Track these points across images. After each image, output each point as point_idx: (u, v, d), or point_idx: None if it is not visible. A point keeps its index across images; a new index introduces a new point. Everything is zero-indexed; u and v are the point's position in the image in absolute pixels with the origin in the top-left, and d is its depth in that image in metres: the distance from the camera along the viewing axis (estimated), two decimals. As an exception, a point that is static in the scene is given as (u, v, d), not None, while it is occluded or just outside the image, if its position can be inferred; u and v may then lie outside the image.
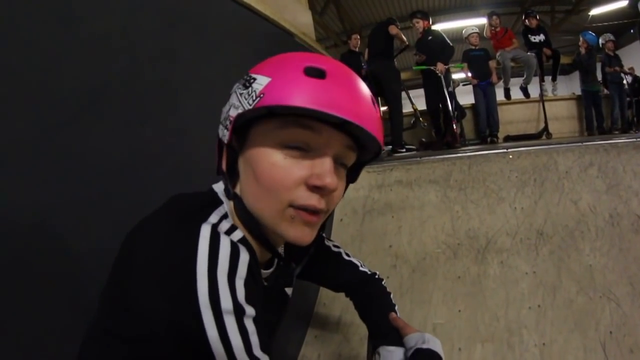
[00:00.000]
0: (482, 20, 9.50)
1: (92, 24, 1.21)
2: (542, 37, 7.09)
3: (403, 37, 6.09)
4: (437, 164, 3.09)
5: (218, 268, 0.71)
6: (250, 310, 0.74)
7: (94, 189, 1.14)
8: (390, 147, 5.63)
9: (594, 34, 7.68)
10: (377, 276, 1.43)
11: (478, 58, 6.93)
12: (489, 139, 6.75)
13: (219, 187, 0.93)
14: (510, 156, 3.04)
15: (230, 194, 0.88)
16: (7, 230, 0.92)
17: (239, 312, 0.72)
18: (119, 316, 0.75)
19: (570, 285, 2.26)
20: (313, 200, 0.81)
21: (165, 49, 1.45)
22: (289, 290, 1.17)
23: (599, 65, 7.83)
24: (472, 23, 8.90)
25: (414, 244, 2.62)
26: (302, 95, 0.75)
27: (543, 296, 2.22)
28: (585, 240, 2.49)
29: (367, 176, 3.10)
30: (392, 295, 1.38)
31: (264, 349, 0.76)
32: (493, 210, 2.73)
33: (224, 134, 0.85)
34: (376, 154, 0.94)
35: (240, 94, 0.82)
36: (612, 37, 7.96)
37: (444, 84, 6.08)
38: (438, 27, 10.25)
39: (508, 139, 7.19)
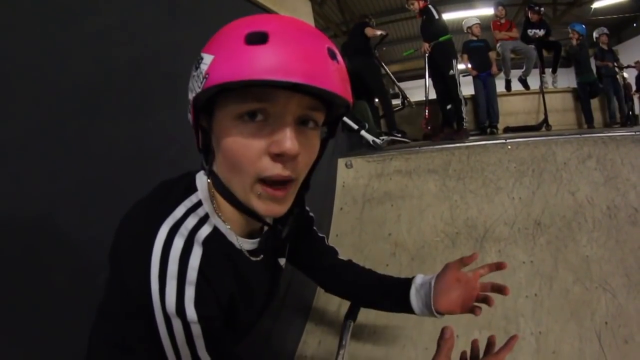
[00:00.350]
0: (483, 12, 9.49)
1: (93, 19, 1.23)
2: (542, 32, 7.05)
3: (377, 33, 6.07)
4: (436, 154, 3.09)
5: (167, 273, 0.75)
6: (195, 315, 0.76)
7: (97, 182, 1.17)
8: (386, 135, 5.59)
9: (582, 25, 7.64)
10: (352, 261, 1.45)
11: (478, 49, 6.91)
12: (488, 130, 6.74)
13: (201, 174, 0.93)
14: (509, 147, 3.04)
15: (207, 171, 0.88)
16: (12, 222, 0.95)
17: (183, 316, 0.76)
18: (106, 296, 0.87)
19: (567, 275, 2.28)
20: (277, 169, 0.79)
21: (167, 42, 1.45)
22: (282, 261, 1.16)
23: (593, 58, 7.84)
24: (473, 14, 8.85)
25: (413, 233, 2.63)
26: (244, 67, 0.71)
27: (540, 285, 2.24)
28: (582, 231, 2.50)
29: (366, 165, 3.10)
30: None
31: (211, 350, 0.81)
32: (491, 199, 2.73)
33: (188, 117, 0.86)
34: (347, 107, 0.87)
35: (193, 76, 0.80)
36: (605, 31, 7.93)
37: (447, 70, 5.82)
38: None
39: (508, 130, 7.18)
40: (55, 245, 1.06)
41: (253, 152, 0.78)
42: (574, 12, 12.15)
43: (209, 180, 0.88)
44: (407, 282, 1.30)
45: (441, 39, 5.72)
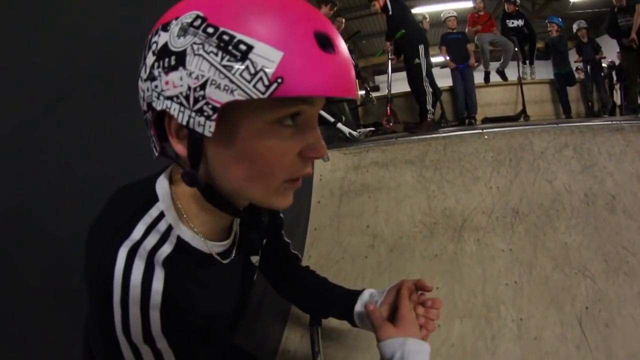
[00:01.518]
0: (461, 5, 9.55)
1: (64, 15, 1.19)
2: (520, 22, 7.13)
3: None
4: (413, 145, 3.08)
5: (129, 298, 0.68)
6: (164, 339, 0.72)
7: (72, 179, 1.13)
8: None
9: (559, 18, 7.79)
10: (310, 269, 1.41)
11: (456, 41, 6.98)
12: (466, 121, 6.78)
13: (161, 178, 0.83)
14: (486, 137, 3.04)
15: (197, 183, 0.75)
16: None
17: (151, 342, 0.71)
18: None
19: (546, 262, 2.28)
20: (308, 168, 0.76)
21: (139, 37, 1.42)
22: (254, 259, 1.09)
23: (573, 51, 7.97)
24: (451, 7, 8.89)
25: (390, 224, 2.61)
26: (323, 79, 0.64)
27: (519, 273, 2.23)
28: (561, 218, 2.51)
29: (343, 158, 3.08)
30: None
31: None
32: (469, 189, 2.73)
33: (198, 122, 0.65)
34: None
35: (226, 67, 0.62)
36: (584, 25, 8.08)
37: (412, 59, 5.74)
38: (418, 10, 10.25)
39: (486, 121, 7.24)
40: (31, 243, 1.03)
41: (289, 157, 0.72)
42: (552, 6, 12.31)
43: (171, 187, 0.81)
44: (354, 297, 1.27)
45: (397, 35, 5.70)
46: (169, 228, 0.77)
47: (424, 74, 5.58)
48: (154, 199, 0.79)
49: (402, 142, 3.15)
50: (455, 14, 7.20)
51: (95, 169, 1.19)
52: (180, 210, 0.80)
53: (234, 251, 0.94)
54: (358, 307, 1.23)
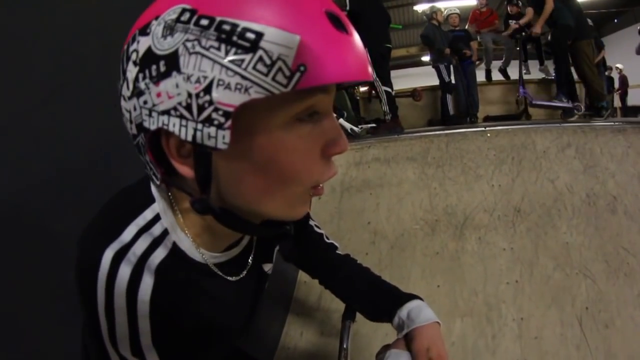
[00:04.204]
0: (464, 3, 9.53)
1: (62, 6, 1.18)
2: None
3: None
4: (415, 141, 3.07)
5: (115, 306, 0.63)
6: (154, 354, 0.68)
7: (68, 171, 1.12)
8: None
9: None
10: (350, 257, 1.29)
11: (460, 38, 6.94)
12: (468, 119, 6.76)
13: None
14: (488, 134, 3.03)
15: (212, 209, 0.65)
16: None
17: (139, 355, 0.67)
18: None
19: (547, 261, 2.28)
20: (333, 169, 0.68)
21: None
22: (267, 267, 0.98)
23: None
24: (454, 4, 8.86)
25: (392, 221, 2.60)
26: (345, 63, 0.56)
27: (521, 272, 2.24)
28: (562, 218, 2.50)
29: (344, 154, 3.02)
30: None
31: None
32: (471, 187, 2.72)
33: (207, 134, 0.55)
34: None
35: (234, 62, 0.52)
36: (589, 23, 8.07)
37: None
38: (420, 7, 10.20)
39: (487, 119, 7.22)
40: (27, 236, 1.02)
41: (313, 158, 0.64)
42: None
43: (169, 188, 0.71)
44: (395, 306, 1.13)
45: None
46: (164, 233, 0.69)
47: (374, 76, 5.20)
48: (150, 201, 0.71)
49: (404, 139, 3.14)
50: (458, 11, 7.17)
51: (91, 162, 1.18)
52: (178, 214, 0.71)
53: (248, 265, 0.86)
54: (395, 324, 1.11)
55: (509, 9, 7.25)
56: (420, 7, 11.60)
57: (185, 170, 0.61)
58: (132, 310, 0.64)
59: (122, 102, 0.63)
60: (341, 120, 3.95)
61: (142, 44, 0.57)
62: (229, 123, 0.53)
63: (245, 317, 0.96)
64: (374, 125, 4.99)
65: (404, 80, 6.52)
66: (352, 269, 1.26)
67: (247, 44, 0.51)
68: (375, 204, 2.73)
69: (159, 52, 0.55)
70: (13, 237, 0.97)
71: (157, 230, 0.68)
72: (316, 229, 1.23)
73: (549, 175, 2.74)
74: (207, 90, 0.53)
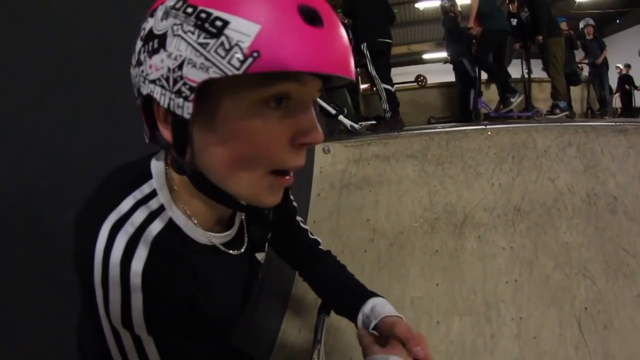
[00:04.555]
0: (466, 0, 9.54)
1: (55, 2, 1.17)
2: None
3: None
4: (415, 139, 3.05)
5: (109, 279, 0.65)
6: (144, 326, 0.68)
7: (65, 165, 1.12)
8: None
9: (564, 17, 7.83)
10: (330, 253, 1.35)
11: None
12: (473, 116, 6.74)
13: (158, 157, 0.79)
14: (489, 133, 3.02)
15: (185, 170, 0.73)
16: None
17: (130, 327, 0.67)
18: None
19: (547, 261, 2.28)
20: (300, 159, 0.71)
21: (135, 24, 1.40)
22: (260, 256, 1.04)
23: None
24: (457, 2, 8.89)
25: (391, 218, 2.59)
26: (306, 53, 0.59)
27: (520, 271, 2.23)
28: (562, 217, 2.50)
29: (344, 150, 3.05)
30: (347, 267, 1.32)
31: (165, 357, 0.73)
32: (471, 185, 2.71)
33: (177, 104, 0.64)
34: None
35: (202, 45, 0.61)
36: (591, 22, 8.12)
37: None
38: (421, 5, 10.19)
39: (489, 117, 7.23)
40: (23, 233, 1.02)
41: (279, 143, 0.68)
42: (558, 6, 12.27)
43: (167, 167, 0.76)
44: (359, 303, 1.15)
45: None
46: (161, 208, 0.73)
47: (374, 73, 5.03)
48: (148, 177, 0.75)
49: (404, 136, 3.12)
50: (460, 9, 7.18)
51: (88, 159, 1.16)
52: (174, 192, 0.76)
53: (244, 247, 0.90)
54: (359, 320, 1.13)
55: (510, 7, 7.25)
56: (421, 5, 11.64)
57: (167, 134, 0.69)
58: (125, 283, 0.65)
59: (131, 69, 0.72)
60: (341, 117, 3.92)
61: (148, 24, 0.67)
62: (192, 96, 0.62)
63: (239, 306, 0.98)
64: (373, 122, 4.95)
65: (404, 78, 6.49)
66: (328, 265, 1.31)
67: (214, 30, 0.60)
68: (374, 201, 2.72)
69: (155, 32, 0.65)
70: (11, 236, 0.97)
71: (154, 204, 0.73)
72: (302, 224, 1.32)
73: (550, 175, 2.74)
74: (180, 66, 0.62)
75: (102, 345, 0.69)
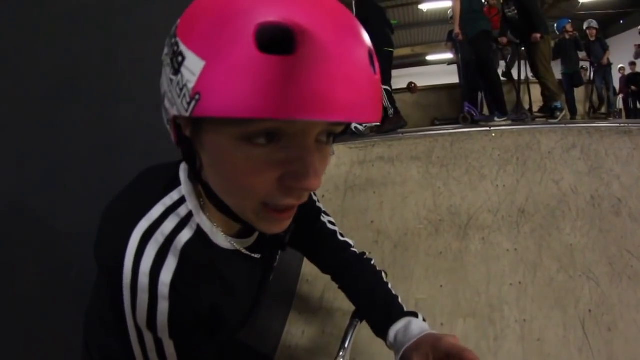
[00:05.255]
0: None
1: (61, 4, 1.18)
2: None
3: None
4: (419, 141, 3.06)
5: (138, 285, 0.65)
6: (167, 331, 0.69)
7: (71, 166, 1.12)
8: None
9: (568, 19, 7.83)
10: (365, 256, 1.23)
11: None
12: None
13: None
14: (493, 134, 3.02)
15: (196, 178, 0.72)
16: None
17: (154, 330, 0.68)
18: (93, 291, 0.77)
19: (551, 263, 2.27)
20: (289, 199, 0.64)
21: (140, 25, 1.40)
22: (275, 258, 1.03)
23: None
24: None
25: (395, 220, 2.60)
26: (255, 94, 0.49)
27: (524, 273, 2.23)
28: (566, 219, 2.49)
29: (349, 152, 3.06)
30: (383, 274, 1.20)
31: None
32: (475, 187, 2.71)
33: (168, 130, 0.68)
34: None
35: (171, 80, 0.60)
36: (594, 24, 8.10)
37: None
38: (425, 6, 10.16)
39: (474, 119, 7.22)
40: (28, 235, 1.02)
41: (264, 181, 0.61)
42: (561, 7, 12.25)
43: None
44: (390, 320, 1.06)
45: None
46: (189, 214, 0.72)
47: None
48: (177, 183, 0.74)
49: (409, 138, 3.13)
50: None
51: (93, 160, 1.17)
52: (201, 198, 0.74)
53: (264, 249, 0.89)
54: (391, 337, 1.03)
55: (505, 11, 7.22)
56: (424, 7, 11.61)
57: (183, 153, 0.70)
58: (153, 291, 0.66)
59: None
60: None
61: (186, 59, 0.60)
62: (172, 129, 0.66)
63: (249, 309, 0.98)
64: (377, 123, 4.93)
65: (407, 80, 6.49)
66: (359, 272, 1.19)
67: (177, 67, 0.58)
68: (379, 202, 2.73)
69: (167, 68, 0.63)
70: (12, 236, 0.97)
71: (183, 211, 0.72)
72: (330, 225, 1.19)
73: (554, 176, 2.73)
74: (163, 98, 0.65)
75: (121, 341, 0.69)
